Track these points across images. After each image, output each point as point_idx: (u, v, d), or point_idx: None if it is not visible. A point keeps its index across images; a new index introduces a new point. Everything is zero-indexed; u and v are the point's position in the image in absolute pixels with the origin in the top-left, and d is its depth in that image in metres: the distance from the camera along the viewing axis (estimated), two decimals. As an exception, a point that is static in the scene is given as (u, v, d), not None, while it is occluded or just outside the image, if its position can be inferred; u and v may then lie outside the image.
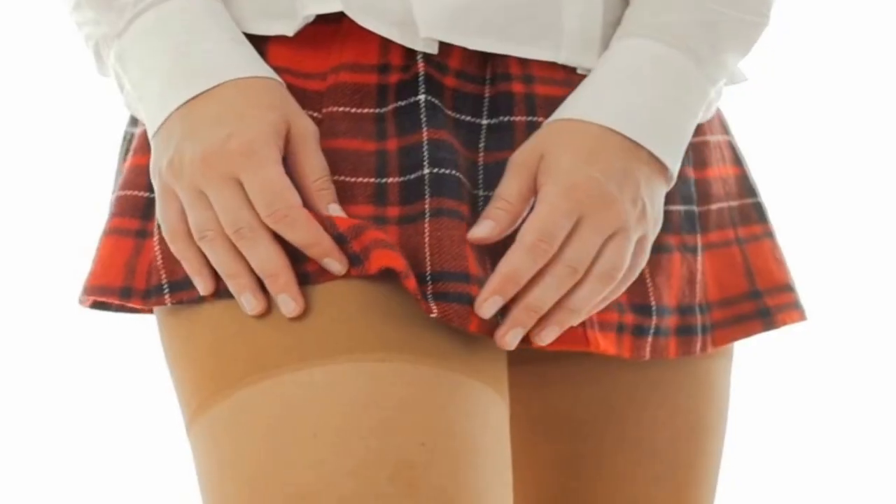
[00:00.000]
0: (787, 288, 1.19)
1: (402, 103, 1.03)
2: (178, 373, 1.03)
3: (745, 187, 1.20)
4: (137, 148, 1.07)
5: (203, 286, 0.99)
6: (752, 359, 1.51)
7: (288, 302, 0.96)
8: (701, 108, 1.06)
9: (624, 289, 1.02)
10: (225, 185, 0.96)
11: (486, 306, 0.97)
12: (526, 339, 1.01)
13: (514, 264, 0.97)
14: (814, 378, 2.61)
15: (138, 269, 1.02)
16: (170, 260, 1.01)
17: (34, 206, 2.55)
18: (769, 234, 1.20)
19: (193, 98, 0.98)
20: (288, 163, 0.98)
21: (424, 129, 1.02)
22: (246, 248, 0.96)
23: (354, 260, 0.97)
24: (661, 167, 1.02)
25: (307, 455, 0.93)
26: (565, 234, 0.98)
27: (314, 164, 0.99)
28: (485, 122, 1.05)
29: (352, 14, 1.02)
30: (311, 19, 1.03)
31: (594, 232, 0.98)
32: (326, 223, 0.97)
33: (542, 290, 0.98)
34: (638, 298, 1.10)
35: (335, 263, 0.97)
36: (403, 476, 0.92)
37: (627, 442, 1.16)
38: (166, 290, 1.01)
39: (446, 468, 0.94)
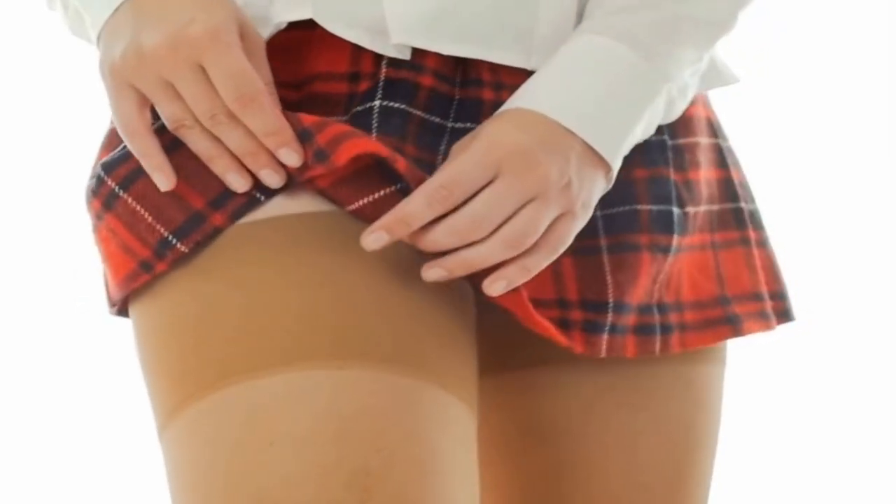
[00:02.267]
0: (754, 297, 1.17)
1: (359, 108, 1.03)
2: (148, 379, 1.03)
3: (728, 192, 1.18)
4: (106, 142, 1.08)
5: (166, 181, 0.99)
6: (745, 362, 1.50)
7: (272, 175, 0.98)
8: (650, 105, 1.04)
9: (544, 263, 1.00)
10: (192, 73, 0.96)
11: (370, 239, 0.97)
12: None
13: (408, 206, 0.97)
14: (809, 382, 2.61)
15: (127, 241, 1.02)
16: (158, 210, 1.01)
17: (34, 206, 2.55)
18: (744, 241, 1.18)
19: None
20: None
21: (373, 134, 1.02)
22: (224, 133, 0.97)
23: (319, 155, 0.98)
24: (598, 159, 1.01)
25: (266, 463, 0.93)
26: (475, 186, 0.97)
27: (264, 71, 0.99)
28: (450, 125, 1.05)
29: (322, 21, 1.02)
30: (282, 26, 1.03)
31: (508, 191, 0.97)
32: (291, 118, 0.98)
33: (437, 234, 0.97)
34: (593, 295, 1.08)
35: (293, 154, 0.97)
36: (359, 482, 0.92)
37: (615, 449, 1.15)
38: (174, 241, 1.00)
39: (405, 475, 0.94)
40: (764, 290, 1.18)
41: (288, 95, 1.02)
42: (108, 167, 1.03)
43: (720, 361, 1.19)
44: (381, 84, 1.03)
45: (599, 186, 1.03)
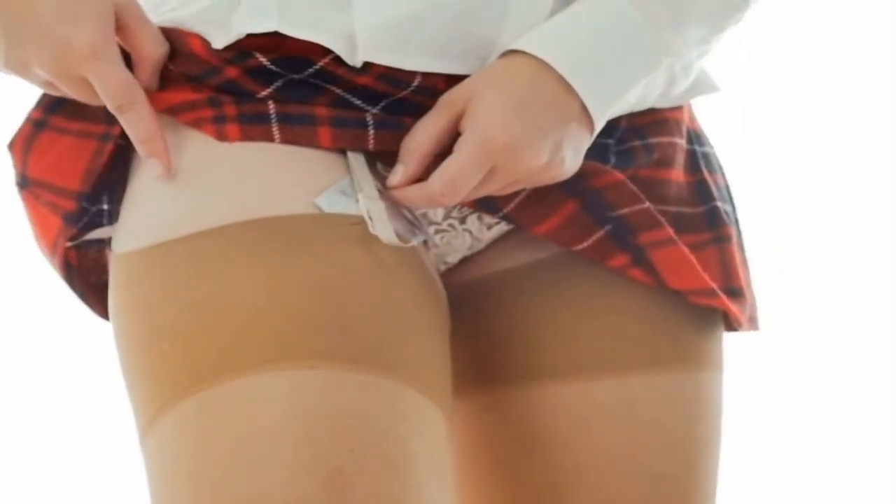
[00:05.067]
0: (728, 291, 1.16)
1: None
2: (128, 389, 1.04)
3: (701, 194, 1.18)
4: None
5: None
6: (742, 367, 1.50)
7: (157, 165, 1.03)
8: (647, 75, 1.06)
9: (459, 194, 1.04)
10: (77, 84, 1.02)
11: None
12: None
13: (414, 200, 1.04)
14: (806, 385, 2.61)
15: (87, 129, 1.07)
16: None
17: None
18: (718, 240, 1.17)
19: None
20: (119, 36, 1.03)
21: (271, 89, 1.04)
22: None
23: None
24: (589, 119, 1.04)
25: (240, 465, 0.94)
26: (473, 185, 1.02)
27: (152, 43, 1.04)
28: (373, 110, 1.05)
29: (286, 30, 1.02)
30: (242, 36, 1.04)
31: (499, 183, 1.03)
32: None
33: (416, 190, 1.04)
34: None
35: (158, 167, 1.02)
36: (334, 483, 0.93)
37: (615, 461, 1.13)
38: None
39: (379, 474, 0.94)
40: (741, 286, 1.18)
41: None
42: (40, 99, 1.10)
43: (717, 368, 1.18)
44: (311, 70, 1.04)
45: (585, 145, 1.05)
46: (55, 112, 1.09)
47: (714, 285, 1.13)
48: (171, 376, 0.98)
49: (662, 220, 1.11)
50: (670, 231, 1.11)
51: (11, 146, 1.11)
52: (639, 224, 1.11)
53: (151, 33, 1.03)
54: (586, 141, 1.05)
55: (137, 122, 1.01)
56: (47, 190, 1.09)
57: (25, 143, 1.10)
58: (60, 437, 2.50)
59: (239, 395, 0.95)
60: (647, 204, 1.11)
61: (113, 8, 1.01)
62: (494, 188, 1.03)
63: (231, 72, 1.04)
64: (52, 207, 1.10)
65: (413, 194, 1.03)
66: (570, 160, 1.04)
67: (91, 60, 1.00)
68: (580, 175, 1.08)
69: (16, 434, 2.51)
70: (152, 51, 1.03)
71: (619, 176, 1.10)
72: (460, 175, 1.01)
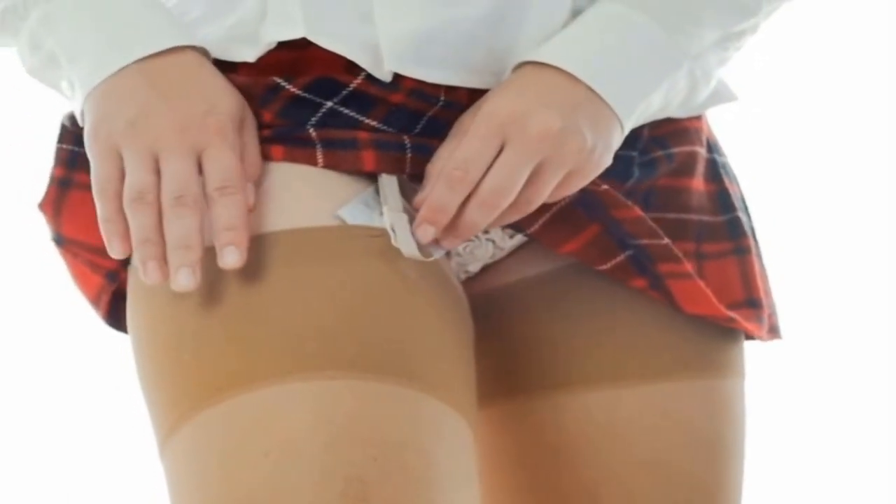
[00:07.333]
0: (747, 303, 1.17)
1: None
2: (146, 397, 1.04)
3: (722, 203, 1.18)
4: None
5: (119, 248, 0.99)
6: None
7: (188, 276, 0.97)
8: (669, 76, 1.06)
9: (519, 213, 1.03)
10: (188, 155, 0.98)
11: (420, 232, 1.01)
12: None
13: (436, 196, 1.00)
14: (807, 386, 2.61)
15: None
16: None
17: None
18: (738, 251, 1.17)
19: (150, 57, 1.00)
20: None
21: (311, 124, 1.04)
22: (176, 216, 0.97)
23: None
24: (610, 110, 1.03)
25: (260, 475, 0.94)
26: (487, 160, 1.00)
27: (251, 149, 1.02)
28: (410, 133, 1.05)
29: (315, 38, 1.03)
30: (272, 46, 1.04)
31: (519, 157, 1.00)
32: None
33: (472, 215, 1.01)
34: None
35: (235, 254, 0.97)
36: (355, 491, 0.93)
37: (644, 466, 1.14)
38: None
39: (400, 483, 0.94)
40: (761, 297, 1.18)
41: None
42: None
43: (739, 374, 1.18)
44: (346, 92, 1.04)
45: (616, 135, 1.04)
46: (76, 168, 1.07)
47: (730, 313, 1.14)
48: (191, 386, 0.98)
49: (681, 255, 1.11)
50: (689, 267, 1.12)
51: (42, 207, 1.09)
52: (658, 256, 1.11)
53: (253, 149, 1.02)
54: (613, 127, 1.03)
55: (233, 206, 0.97)
56: (85, 249, 1.09)
57: (55, 203, 1.09)
58: (78, 446, 2.51)
59: (260, 405, 0.95)
60: (667, 240, 1.11)
61: (242, 112, 1.02)
62: (519, 168, 1.00)
63: (266, 116, 1.04)
64: (91, 266, 1.10)
65: (435, 191, 1.01)
66: (594, 140, 1.02)
67: (219, 135, 0.99)
68: (601, 204, 1.09)
69: (34, 442, 2.51)
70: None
71: (639, 212, 1.10)
72: (467, 150, 1.00)
